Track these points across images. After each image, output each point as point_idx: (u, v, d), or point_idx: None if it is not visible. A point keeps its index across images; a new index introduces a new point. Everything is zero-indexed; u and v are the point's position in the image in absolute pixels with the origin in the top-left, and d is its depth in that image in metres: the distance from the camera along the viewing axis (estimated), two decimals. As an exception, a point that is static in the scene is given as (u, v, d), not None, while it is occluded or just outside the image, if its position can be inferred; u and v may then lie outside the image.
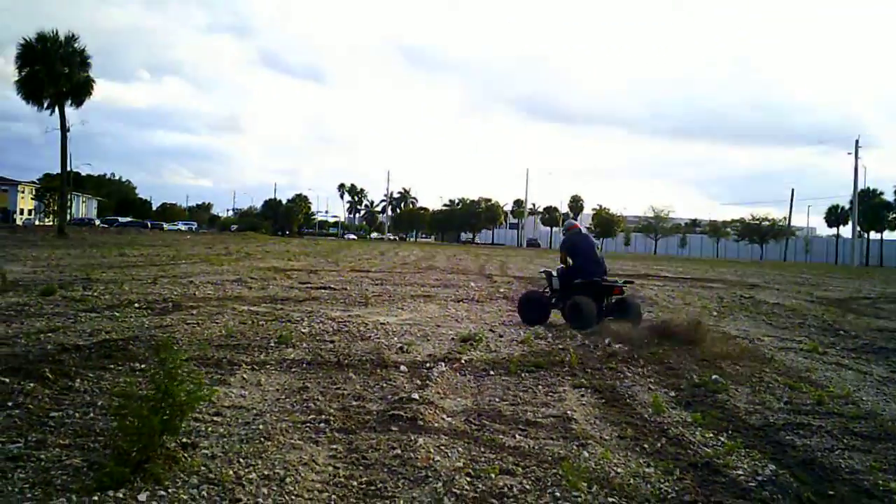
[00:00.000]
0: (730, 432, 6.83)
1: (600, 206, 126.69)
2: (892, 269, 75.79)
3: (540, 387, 8.35)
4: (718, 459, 5.94)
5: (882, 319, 17.54)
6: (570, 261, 13.81)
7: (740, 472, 5.70)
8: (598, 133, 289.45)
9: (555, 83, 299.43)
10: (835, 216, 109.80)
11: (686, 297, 21.44)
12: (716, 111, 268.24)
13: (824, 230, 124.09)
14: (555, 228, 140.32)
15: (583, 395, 8.08)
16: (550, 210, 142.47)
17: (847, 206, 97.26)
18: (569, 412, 7.19)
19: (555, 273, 14.11)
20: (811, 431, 6.97)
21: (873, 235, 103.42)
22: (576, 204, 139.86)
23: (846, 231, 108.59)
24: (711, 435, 6.73)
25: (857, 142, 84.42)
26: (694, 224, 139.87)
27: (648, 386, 8.67)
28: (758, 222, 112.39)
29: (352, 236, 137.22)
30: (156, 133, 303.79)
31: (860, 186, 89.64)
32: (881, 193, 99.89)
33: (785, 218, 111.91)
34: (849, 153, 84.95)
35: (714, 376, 9.08)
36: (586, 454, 5.89)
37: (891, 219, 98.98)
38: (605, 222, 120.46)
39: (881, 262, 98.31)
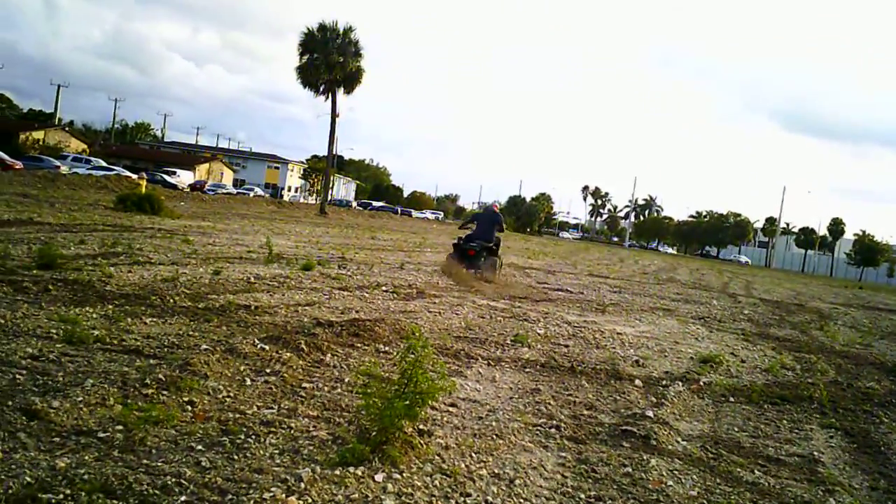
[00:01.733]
0: None
1: (863, 232, 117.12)
2: None
3: (784, 421, 7.86)
4: None
5: None
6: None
7: None
8: (866, 151, 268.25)
9: (821, 93, 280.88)
10: None
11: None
12: None
13: None
14: (809, 252, 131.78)
15: (832, 437, 7.51)
16: (806, 231, 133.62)
17: None
18: (815, 453, 6.72)
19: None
20: None
21: None
22: (836, 227, 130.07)
23: None
24: (980, 501, 6.03)
25: None
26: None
27: (908, 436, 7.92)
28: None
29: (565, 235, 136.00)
30: (408, 122, 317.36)
31: None
32: None
33: None
34: None
35: None
36: (833, 502, 5.47)
37: None
38: (868, 249, 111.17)
39: None
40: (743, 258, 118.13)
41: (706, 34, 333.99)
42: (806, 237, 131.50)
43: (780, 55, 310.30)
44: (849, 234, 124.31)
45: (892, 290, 68.32)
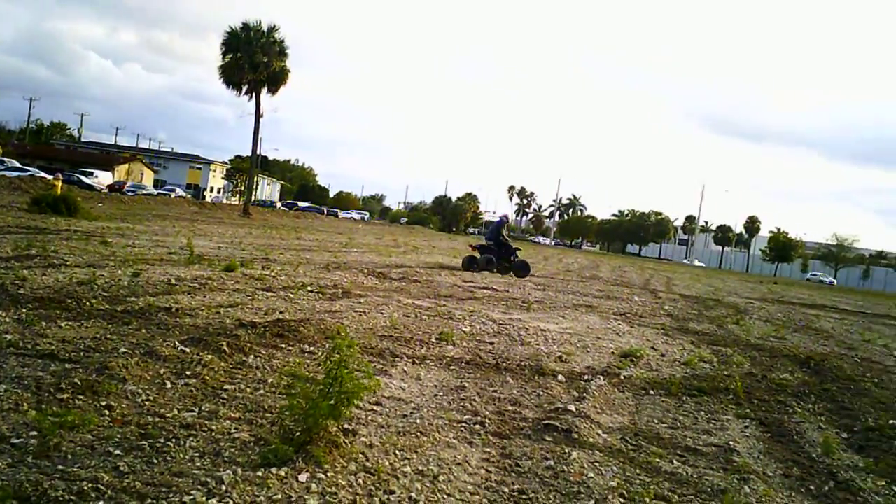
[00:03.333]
0: (906, 484, 6.37)
1: (778, 229, 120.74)
2: None
3: (702, 412, 8.09)
4: (892, 512, 5.55)
5: None
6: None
7: (916, 529, 5.31)
8: (780, 153, 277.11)
9: (738, 96, 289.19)
10: None
11: (865, 333, 20.12)
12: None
13: None
14: (726, 248, 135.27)
15: (747, 427, 7.76)
16: (724, 229, 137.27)
17: None
18: (731, 443, 6.93)
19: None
20: None
21: None
22: (752, 224, 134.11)
23: None
24: (884, 483, 6.32)
25: None
26: (880, 256, 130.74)
27: (819, 424, 8.24)
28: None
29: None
30: (333, 122, 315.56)
31: None
32: None
33: None
34: None
35: (892, 421, 8.50)
36: (748, 489, 5.65)
37: None
38: (782, 246, 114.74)
39: None
40: (828, 278, 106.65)
41: (628, 40, 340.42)
42: (723, 234, 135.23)
43: (700, 59, 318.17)
44: (764, 232, 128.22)
45: (804, 285, 70.81)
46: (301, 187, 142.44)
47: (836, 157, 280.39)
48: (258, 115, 57.14)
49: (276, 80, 56.27)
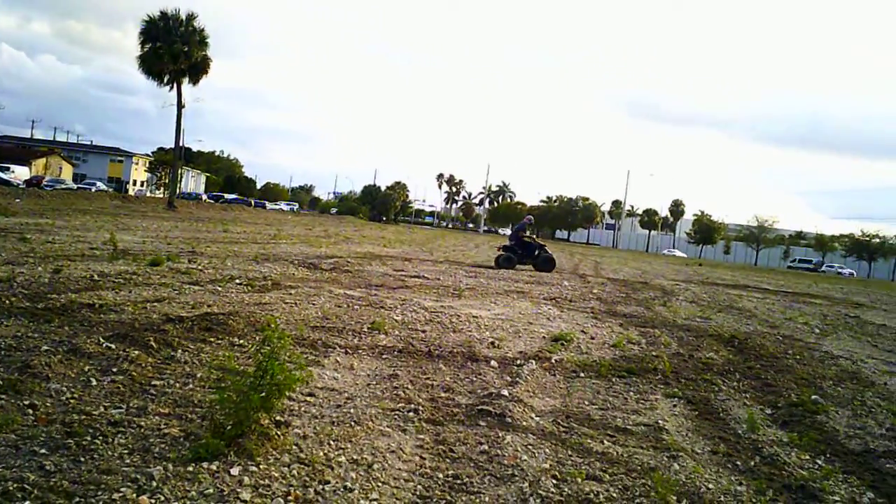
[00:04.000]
0: (827, 456, 6.60)
1: (701, 212, 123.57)
2: None
3: (631, 393, 8.23)
4: (814, 483, 5.74)
5: None
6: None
7: (836, 498, 5.51)
8: (701, 136, 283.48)
9: (659, 81, 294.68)
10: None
11: (787, 311, 20.75)
12: (826, 121, 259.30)
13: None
14: (653, 232, 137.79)
15: (675, 406, 7.93)
16: (650, 213, 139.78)
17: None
18: (660, 422, 7.07)
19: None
20: (915, 463, 6.67)
21: None
22: (676, 208, 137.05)
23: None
24: (808, 457, 6.51)
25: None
26: (799, 236, 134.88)
27: (744, 401, 8.46)
28: (867, 238, 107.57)
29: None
30: (258, 112, 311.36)
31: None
32: None
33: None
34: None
35: (814, 396, 8.80)
36: (677, 466, 5.78)
37: None
38: (706, 229, 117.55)
39: None
40: (846, 270, 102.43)
41: (553, 27, 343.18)
42: (649, 218, 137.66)
43: (624, 46, 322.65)
44: (688, 215, 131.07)
45: (728, 266, 72.62)
46: (227, 179, 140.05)
47: (758, 140, 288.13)
48: (180, 105, 56.11)
49: (197, 69, 55.38)
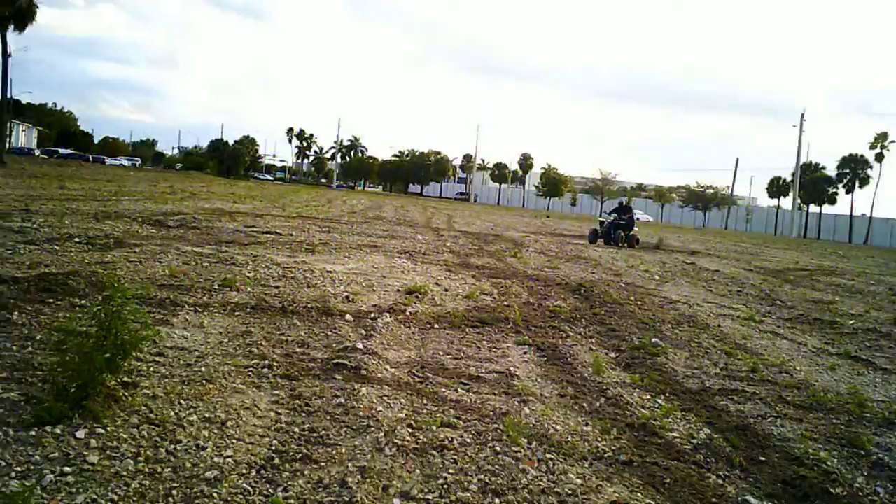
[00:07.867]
0: (667, 395, 7.00)
1: (549, 166, 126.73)
2: (829, 242, 77.54)
3: (484, 342, 8.44)
4: (655, 421, 6.08)
5: (818, 291, 17.99)
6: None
7: (676, 434, 5.86)
8: (548, 91, 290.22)
9: (496, 37, 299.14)
10: (776, 188, 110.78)
11: (629, 259, 21.72)
12: (657, 77, 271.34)
13: (766, 201, 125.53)
14: (503, 185, 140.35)
15: (525, 353, 8.19)
16: (500, 166, 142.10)
17: (789, 179, 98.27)
18: (511, 369, 7.29)
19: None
20: (745, 398, 7.17)
21: (812, 209, 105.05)
22: (525, 161, 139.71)
23: (787, 203, 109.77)
24: (649, 397, 6.89)
25: (802, 115, 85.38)
26: (640, 188, 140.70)
27: (590, 346, 8.83)
28: (702, 189, 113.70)
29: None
30: (94, 63, 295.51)
31: (803, 160, 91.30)
32: (823, 168, 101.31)
33: (728, 187, 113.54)
34: (794, 126, 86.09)
35: (654, 339, 9.29)
36: (527, 410, 5.98)
37: (830, 193, 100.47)
38: (553, 182, 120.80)
39: (819, 234, 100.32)
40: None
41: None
42: (500, 172, 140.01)
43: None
44: (537, 168, 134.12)
45: (574, 217, 75.16)
46: (61, 133, 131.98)
47: (598, 95, 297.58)
48: (6, 54, 52.45)
49: (22, 15, 51.81)
